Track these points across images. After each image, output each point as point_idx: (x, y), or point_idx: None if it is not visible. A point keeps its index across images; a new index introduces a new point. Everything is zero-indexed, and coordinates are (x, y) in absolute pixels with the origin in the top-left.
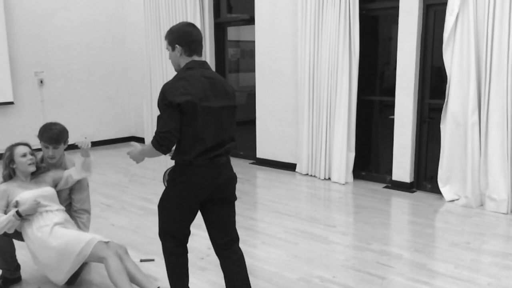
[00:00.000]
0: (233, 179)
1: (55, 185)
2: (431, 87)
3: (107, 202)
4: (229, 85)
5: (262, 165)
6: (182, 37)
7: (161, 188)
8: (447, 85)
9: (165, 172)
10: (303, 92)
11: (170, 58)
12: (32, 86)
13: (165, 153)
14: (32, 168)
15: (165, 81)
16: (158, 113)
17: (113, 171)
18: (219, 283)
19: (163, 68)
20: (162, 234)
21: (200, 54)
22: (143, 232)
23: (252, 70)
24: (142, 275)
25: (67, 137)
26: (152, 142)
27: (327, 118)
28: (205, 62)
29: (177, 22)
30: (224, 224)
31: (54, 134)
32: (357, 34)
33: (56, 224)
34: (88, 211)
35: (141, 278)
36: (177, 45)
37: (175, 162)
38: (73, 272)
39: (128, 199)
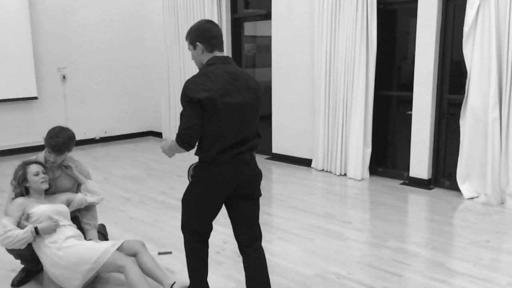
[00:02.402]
0: (257, 175)
1: (68, 205)
2: (451, 82)
3: (126, 195)
4: (253, 80)
5: (278, 161)
6: (202, 34)
7: (179, 182)
8: (467, 80)
9: (189, 168)
10: (319, 87)
11: (193, 58)
12: (55, 82)
13: (187, 150)
14: (45, 186)
15: (183, 77)
16: (176, 108)
17: (132, 165)
18: (235, 277)
19: (181, 64)
20: (185, 228)
21: (221, 49)
22: (161, 226)
23: (268, 65)
24: (159, 269)
25: (71, 147)
26: (176, 138)
27: (343, 113)
28: (227, 57)
29: (195, 18)
30: (248, 220)
31: (58, 144)
32: (375, 28)
33: (68, 237)
34: (95, 226)
35: (158, 272)
36: (198, 43)
37: (199, 159)
38: (87, 279)
39: (147, 193)
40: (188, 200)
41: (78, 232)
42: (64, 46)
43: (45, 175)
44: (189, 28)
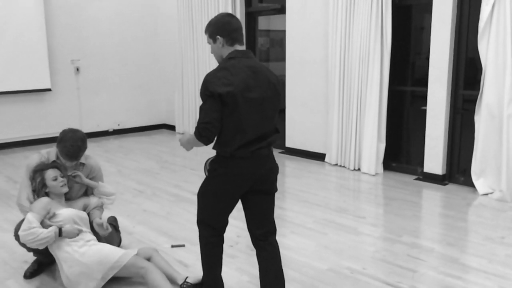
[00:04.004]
0: (274, 170)
1: (84, 210)
2: (465, 78)
3: (139, 188)
4: (273, 74)
5: (291, 155)
6: (222, 28)
7: (192, 175)
8: (482, 76)
9: (206, 161)
10: (333, 81)
11: (213, 51)
12: (69, 74)
13: (206, 144)
14: (65, 189)
15: (197, 70)
16: (190, 101)
17: (145, 158)
18: (248, 270)
19: (195, 57)
20: (200, 222)
21: (241, 43)
22: (174, 219)
23: (282, 59)
24: (172, 268)
25: (84, 150)
26: (195, 132)
27: (357, 108)
28: (248, 51)
29: (209, 11)
30: (263, 215)
31: (69, 152)
32: (389, 23)
33: (88, 240)
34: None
35: (171, 270)
36: (218, 36)
37: (216, 153)
38: (105, 280)
39: (160, 186)
40: (205, 195)
41: (95, 238)
42: (78, 39)
43: (63, 178)
44: (208, 21)
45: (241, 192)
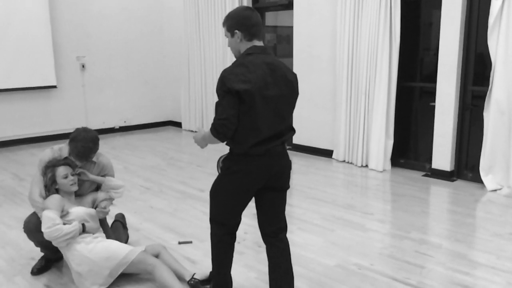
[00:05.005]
0: (287, 167)
1: (93, 204)
2: (474, 74)
3: (146, 185)
4: (291, 72)
5: (298, 151)
6: (242, 22)
7: (198, 172)
8: (491, 72)
9: (219, 159)
10: (341, 78)
11: (230, 45)
12: (74, 71)
13: (222, 141)
14: (75, 188)
15: (203, 67)
16: (196, 98)
17: (151, 155)
18: (256, 267)
19: (201, 53)
20: (213, 220)
21: (260, 38)
22: (181, 215)
23: (289, 55)
24: (179, 264)
25: (92, 155)
26: (211, 129)
27: (365, 104)
28: (266, 47)
29: (216, 8)
30: (274, 212)
31: (79, 152)
32: (398, 19)
33: (96, 237)
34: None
35: (178, 266)
36: (236, 31)
37: (230, 150)
38: (113, 277)
39: (166, 182)
40: (219, 193)
41: (104, 235)
42: (83, 35)
43: (74, 177)
44: (214, 15)
45: (255, 190)
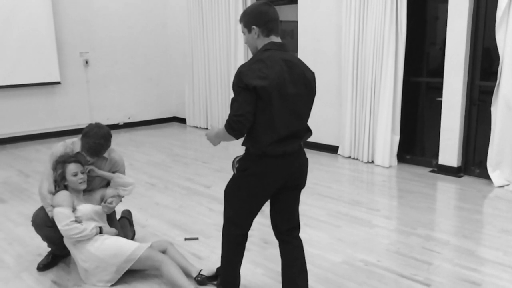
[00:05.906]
0: (305, 165)
1: (101, 200)
2: (482, 69)
3: (151, 181)
4: (309, 70)
5: (304, 147)
6: (259, 17)
7: (203, 168)
8: (499, 67)
9: (234, 160)
10: (346, 73)
11: (247, 41)
12: (78, 67)
13: (237, 138)
14: (83, 186)
15: (207, 63)
16: (200, 94)
17: (156, 151)
18: (262, 263)
19: (205, 49)
20: (228, 221)
21: (278, 34)
22: (186, 212)
23: (293, 50)
24: (186, 260)
25: (104, 152)
26: (225, 125)
27: (371, 99)
28: (284, 44)
29: (219, 3)
30: (289, 211)
31: (90, 148)
32: (404, 13)
33: (104, 234)
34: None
35: (185, 263)
36: (253, 26)
37: (246, 150)
38: (120, 274)
39: (172, 179)
40: (235, 194)
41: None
42: (87, 31)
43: (84, 175)
44: (218, 11)
45: (273, 191)
